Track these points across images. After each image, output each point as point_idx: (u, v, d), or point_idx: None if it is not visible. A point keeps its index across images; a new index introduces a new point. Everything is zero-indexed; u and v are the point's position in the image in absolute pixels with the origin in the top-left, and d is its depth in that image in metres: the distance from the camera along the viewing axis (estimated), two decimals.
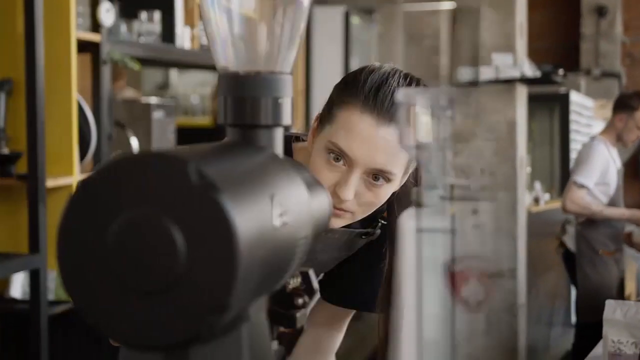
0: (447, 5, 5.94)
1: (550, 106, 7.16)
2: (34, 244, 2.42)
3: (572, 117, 7.31)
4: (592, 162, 4.41)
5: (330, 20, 5.78)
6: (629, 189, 9.78)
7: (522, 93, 5.57)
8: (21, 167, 2.52)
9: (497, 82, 5.03)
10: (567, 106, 7.23)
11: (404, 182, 1.36)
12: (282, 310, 0.89)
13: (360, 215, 1.31)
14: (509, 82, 5.08)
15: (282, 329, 0.91)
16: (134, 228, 0.64)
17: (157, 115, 3.28)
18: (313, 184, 0.92)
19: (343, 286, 1.48)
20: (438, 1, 5.97)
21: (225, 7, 0.85)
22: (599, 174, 4.44)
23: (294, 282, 0.92)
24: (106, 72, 2.81)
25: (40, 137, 2.47)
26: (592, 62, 9.30)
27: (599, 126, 8.63)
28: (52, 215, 2.55)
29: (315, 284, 0.92)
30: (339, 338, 1.56)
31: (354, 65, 6.22)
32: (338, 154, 1.26)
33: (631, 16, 9.99)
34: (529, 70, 5.44)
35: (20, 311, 2.59)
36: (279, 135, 0.86)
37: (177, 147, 0.72)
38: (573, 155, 7.27)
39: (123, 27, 3.11)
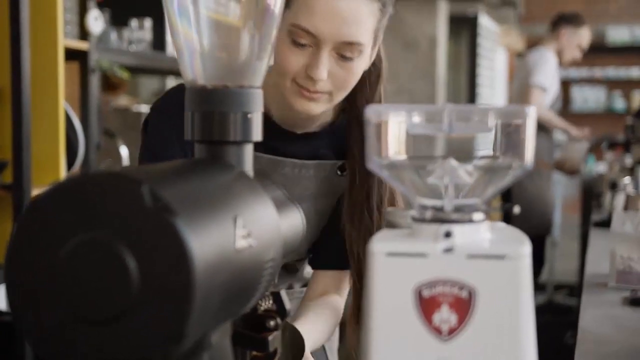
0: None
1: (458, 27, 7.09)
2: None
3: (479, 40, 7.29)
4: (546, 64, 4.44)
5: None
6: None
7: (443, 8, 5.54)
8: (7, 176, 2.49)
9: None
10: (475, 29, 7.20)
11: (374, 56, 1.33)
12: (254, 333, 0.86)
13: (337, 97, 1.28)
14: None
15: (254, 352, 0.88)
16: (85, 252, 0.61)
17: None
18: (284, 202, 0.89)
19: (333, 248, 1.43)
20: None
21: (193, 19, 0.82)
22: (551, 77, 4.47)
23: (265, 303, 0.89)
24: (94, 80, 2.78)
25: (26, 146, 2.44)
26: None
27: (501, 52, 8.67)
28: None
29: (288, 305, 0.89)
30: (343, 302, 1.50)
31: None
32: (302, 36, 1.22)
33: None
34: None
35: (5, 323, 2.55)
36: (248, 151, 0.83)
37: (135, 166, 0.68)
38: (479, 79, 7.30)
39: (113, 35, 3.09)
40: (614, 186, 3.32)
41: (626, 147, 4.45)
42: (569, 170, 4.94)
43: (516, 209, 0.70)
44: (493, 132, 0.71)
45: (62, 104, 2.58)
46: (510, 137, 0.71)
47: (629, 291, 1.76)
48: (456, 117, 0.70)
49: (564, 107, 10.33)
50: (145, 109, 3.33)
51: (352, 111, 1.36)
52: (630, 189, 3.05)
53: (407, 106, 0.73)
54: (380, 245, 0.70)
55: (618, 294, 1.77)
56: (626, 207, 2.99)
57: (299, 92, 1.26)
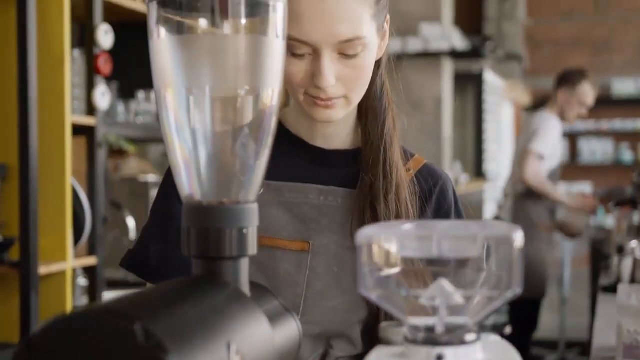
0: None
1: (463, 84, 7.13)
2: (26, 334, 2.39)
3: (485, 96, 7.33)
4: (547, 132, 4.45)
5: None
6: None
7: (448, 67, 5.56)
8: (14, 253, 2.50)
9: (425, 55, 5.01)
10: (480, 85, 7.24)
11: (386, 42, 1.26)
12: None
13: (354, 97, 1.20)
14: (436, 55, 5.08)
15: None
16: None
17: (155, 193, 3.27)
18: (279, 313, 0.90)
19: None
20: None
21: (189, 136, 0.84)
22: (552, 146, 4.47)
23: None
24: (101, 155, 2.82)
25: (33, 223, 2.46)
26: (495, 43, 9.34)
27: (507, 107, 8.72)
28: (45, 303, 2.52)
29: None
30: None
31: None
32: (298, 47, 1.14)
33: None
34: (459, 41, 5.44)
35: None
36: (244, 265, 0.84)
37: (129, 296, 0.69)
38: (486, 135, 7.32)
39: (120, 107, 3.13)
40: (621, 250, 3.31)
41: (633, 204, 4.44)
42: (569, 234, 4.93)
43: (507, 330, 0.71)
44: (482, 254, 0.72)
45: (69, 180, 2.60)
46: (499, 260, 0.72)
47: None
48: (446, 241, 0.72)
49: (572, 159, 10.40)
50: (152, 178, 3.36)
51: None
52: (638, 253, 3.04)
53: (398, 229, 0.74)
54: None
55: None
56: (634, 272, 2.98)
57: (313, 102, 1.19)
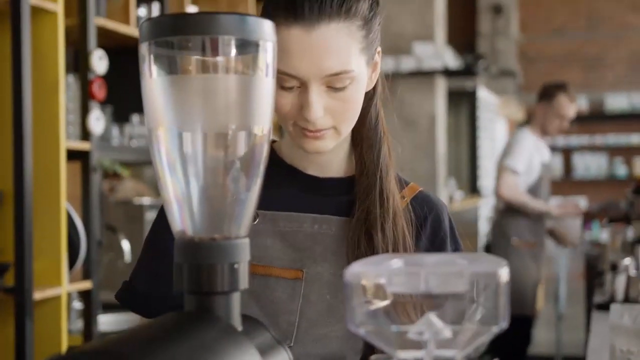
0: None
1: (456, 102, 7.17)
2: (21, 359, 2.39)
3: (478, 113, 7.37)
4: (521, 148, 4.49)
5: None
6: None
7: (441, 85, 5.59)
8: (9, 279, 2.51)
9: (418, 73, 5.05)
10: (474, 102, 7.29)
11: (377, 73, 1.26)
12: None
13: (343, 128, 1.21)
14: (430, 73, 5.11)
15: None
16: None
17: (150, 216, 3.28)
18: (271, 346, 0.91)
19: None
20: None
21: (181, 175, 0.85)
22: (528, 161, 4.50)
23: None
24: (96, 179, 2.83)
25: (28, 248, 2.47)
26: (489, 60, 9.39)
27: (501, 123, 8.77)
28: (40, 328, 2.53)
29: None
30: None
31: None
32: (286, 80, 1.15)
33: (527, 15, 10.20)
34: (451, 60, 5.46)
35: None
36: (236, 299, 0.86)
37: (121, 335, 0.70)
38: (480, 152, 7.36)
39: (115, 130, 3.14)
40: (614, 267, 3.32)
41: (627, 220, 4.46)
42: (563, 242, 4.97)
43: None
44: (469, 289, 0.74)
45: (64, 206, 2.61)
46: (486, 295, 0.73)
47: None
48: (433, 277, 0.73)
49: (566, 174, 10.45)
50: (147, 201, 3.37)
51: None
52: (631, 271, 3.05)
53: (386, 266, 0.76)
54: None
55: None
56: (627, 289, 3.00)
57: (303, 133, 1.20)
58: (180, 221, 0.87)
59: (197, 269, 0.84)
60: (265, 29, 0.84)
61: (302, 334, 1.24)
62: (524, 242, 4.53)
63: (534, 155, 4.54)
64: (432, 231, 1.32)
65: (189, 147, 0.84)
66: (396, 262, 0.78)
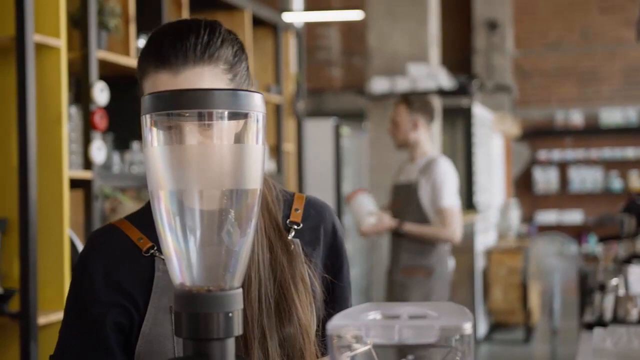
0: None
1: (452, 119, 7.25)
2: None
3: (474, 129, 7.45)
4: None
5: (321, 131, 5.95)
6: (523, 201, 10.21)
7: (436, 105, 5.65)
8: (14, 304, 2.59)
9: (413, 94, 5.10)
10: (469, 119, 7.37)
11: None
12: None
13: None
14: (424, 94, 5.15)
15: None
16: None
17: None
18: None
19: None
20: None
21: (180, 233, 0.94)
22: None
23: None
24: (98, 206, 2.92)
25: (32, 275, 2.55)
26: (484, 75, 9.46)
27: (497, 138, 8.86)
28: (44, 353, 2.61)
29: None
30: None
31: (346, 174, 6.40)
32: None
33: (521, 30, 10.31)
34: (445, 80, 5.51)
35: None
36: (230, 344, 0.94)
37: None
38: (476, 167, 7.45)
39: (116, 157, 3.23)
40: (602, 287, 3.40)
41: (618, 238, 4.53)
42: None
43: None
44: (438, 342, 0.82)
45: (67, 233, 2.70)
46: (454, 345, 0.82)
47: None
48: (406, 329, 0.82)
49: (562, 188, 10.55)
50: None
51: None
52: (620, 291, 3.12)
53: (364, 319, 0.85)
54: None
55: None
56: (616, 309, 3.07)
57: None
58: (180, 274, 0.96)
59: (194, 317, 0.93)
60: (255, 101, 0.93)
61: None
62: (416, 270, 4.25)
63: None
64: (327, 236, 1.40)
65: (186, 209, 0.93)
66: (374, 314, 0.87)
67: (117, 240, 1.33)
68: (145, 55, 1.27)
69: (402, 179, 4.19)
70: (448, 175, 4.09)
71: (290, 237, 1.34)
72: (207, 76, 1.24)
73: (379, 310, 0.88)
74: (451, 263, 4.29)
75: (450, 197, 4.03)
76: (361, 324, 0.84)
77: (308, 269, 1.33)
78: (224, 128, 0.92)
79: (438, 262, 4.05)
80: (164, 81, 1.23)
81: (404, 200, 4.09)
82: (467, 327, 0.82)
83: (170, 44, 1.23)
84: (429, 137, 4.17)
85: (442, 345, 0.84)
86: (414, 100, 4.20)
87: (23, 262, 2.56)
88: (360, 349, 0.85)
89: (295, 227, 1.35)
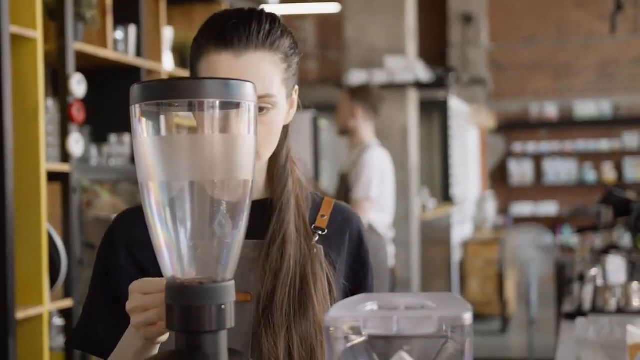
0: None
1: (428, 112, 7.28)
2: None
3: (450, 122, 7.50)
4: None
5: (299, 124, 5.93)
6: (498, 193, 10.30)
7: (413, 97, 5.67)
8: None
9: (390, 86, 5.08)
10: (445, 111, 7.41)
11: (294, 110, 1.35)
12: None
13: (264, 153, 1.28)
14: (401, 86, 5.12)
15: None
16: None
17: None
18: None
19: None
20: None
21: (171, 224, 0.93)
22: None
23: None
24: (75, 199, 2.88)
25: (10, 268, 2.52)
26: (459, 68, 9.50)
27: (472, 130, 8.92)
28: (22, 347, 2.58)
29: None
30: None
31: (324, 166, 6.39)
32: None
33: (496, 24, 10.38)
34: (423, 73, 5.52)
35: None
36: (223, 337, 0.93)
37: None
38: (452, 159, 7.51)
39: (94, 151, 3.20)
40: (581, 277, 3.42)
41: (595, 229, 4.56)
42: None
43: None
44: (436, 332, 0.81)
45: (45, 226, 2.66)
46: (452, 336, 0.81)
47: None
48: (404, 320, 0.81)
49: (537, 180, 10.61)
50: None
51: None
52: (598, 281, 3.14)
53: (363, 312, 0.83)
54: None
55: None
56: (595, 299, 3.09)
57: None
58: (171, 267, 0.94)
59: (186, 310, 0.91)
60: (247, 91, 0.92)
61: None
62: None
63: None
64: (353, 244, 1.40)
65: (177, 199, 0.92)
66: (370, 307, 0.86)
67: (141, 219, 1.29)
68: (204, 34, 1.27)
69: (344, 168, 4.23)
70: (369, 166, 4.00)
71: (314, 241, 1.34)
72: (268, 62, 1.26)
73: (375, 301, 0.87)
74: (390, 250, 4.22)
75: (364, 189, 3.96)
76: (359, 315, 0.82)
77: (328, 272, 1.33)
78: (215, 117, 0.90)
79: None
80: (224, 61, 1.24)
81: (339, 190, 4.11)
82: (467, 317, 0.81)
83: (233, 26, 1.25)
84: (368, 127, 4.13)
85: (441, 336, 0.83)
86: (357, 90, 4.25)
87: (0, 256, 2.52)
88: (357, 340, 0.84)
89: (320, 232, 1.35)
